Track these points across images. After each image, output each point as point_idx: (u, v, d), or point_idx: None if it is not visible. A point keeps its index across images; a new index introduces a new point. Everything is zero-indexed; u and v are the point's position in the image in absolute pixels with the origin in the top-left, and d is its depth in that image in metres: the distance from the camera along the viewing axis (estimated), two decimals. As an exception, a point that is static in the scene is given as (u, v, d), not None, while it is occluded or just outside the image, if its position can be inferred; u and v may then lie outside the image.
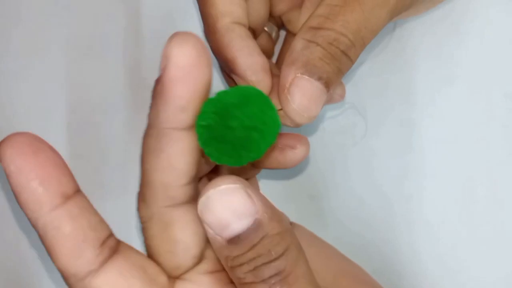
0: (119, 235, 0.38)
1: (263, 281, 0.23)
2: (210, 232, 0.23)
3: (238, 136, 0.23)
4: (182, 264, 0.25)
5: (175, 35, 0.23)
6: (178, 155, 0.24)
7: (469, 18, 0.36)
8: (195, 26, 0.38)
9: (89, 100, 0.38)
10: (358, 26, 0.26)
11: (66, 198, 0.23)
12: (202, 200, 0.23)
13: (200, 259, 0.26)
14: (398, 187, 0.37)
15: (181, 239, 0.25)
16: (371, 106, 0.37)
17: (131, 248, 0.25)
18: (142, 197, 0.26)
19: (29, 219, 0.23)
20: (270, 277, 0.23)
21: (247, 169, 0.32)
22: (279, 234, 0.23)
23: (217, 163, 0.24)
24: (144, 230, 0.26)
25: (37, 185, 0.22)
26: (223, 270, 0.26)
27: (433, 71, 0.37)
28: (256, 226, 0.23)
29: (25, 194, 0.22)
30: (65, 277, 0.24)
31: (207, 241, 0.26)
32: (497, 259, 0.36)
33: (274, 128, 0.24)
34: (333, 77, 0.26)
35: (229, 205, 0.23)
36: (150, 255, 0.26)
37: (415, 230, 0.36)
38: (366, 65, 0.37)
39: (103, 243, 0.24)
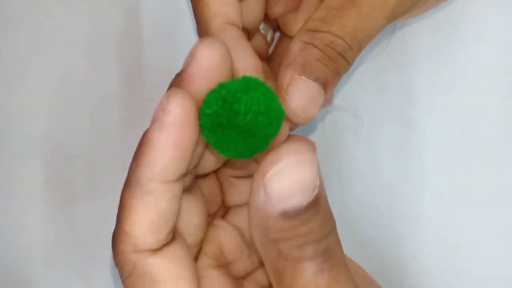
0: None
1: (312, 258, 0.22)
2: (263, 199, 0.22)
3: (244, 120, 0.23)
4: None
5: (205, 38, 0.24)
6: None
7: (469, 18, 0.36)
8: (194, 25, 0.38)
9: (89, 100, 0.38)
10: (354, 30, 0.26)
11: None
12: (276, 167, 0.22)
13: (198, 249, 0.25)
14: (398, 187, 0.37)
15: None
16: (371, 106, 0.37)
17: (184, 239, 0.25)
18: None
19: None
20: (318, 254, 0.22)
21: (253, 170, 0.30)
22: (329, 212, 0.23)
23: (223, 155, 0.23)
24: None
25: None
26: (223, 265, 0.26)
27: (433, 71, 0.37)
28: (315, 202, 0.22)
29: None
30: (122, 240, 0.23)
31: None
32: (498, 259, 0.36)
33: (280, 115, 0.23)
34: (330, 78, 0.26)
35: (300, 179, 0.22)
36: None
37: (415, 230, 0.36)
38: (366, 65, 0.37)
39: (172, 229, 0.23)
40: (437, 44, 0.37)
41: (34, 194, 0.38)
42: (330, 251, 0.23)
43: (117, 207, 0.38)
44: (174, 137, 0.22)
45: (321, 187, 0.23)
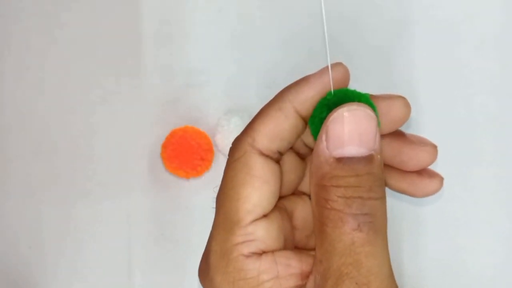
0: (119, 234, 0.38)
1: (353, 214, 0.24)
2: (324, 143, 0.25)
3: None
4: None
5: (341, 65, 0.28)
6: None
7: (470, 18, 0.36)
8: (194, 26, 0.38)
9: (89, 100, 0.38)
10: None
11: None
12: (340, 110, 0.25)
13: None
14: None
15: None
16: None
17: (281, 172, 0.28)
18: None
19: None
20: (361, 214, 0.24)
21: None
22: (381, 179, 0.25)
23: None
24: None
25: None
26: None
27: (433, 71, 0.37)
28: (368, 160, 0.24)
29: None
30: (247, 132, 0.27)
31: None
32: (498, 259, 0.36)
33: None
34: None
35: (360, 128, 0.24)
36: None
37: (414, 230, 0.36)
38: (366, 66, 0.37)
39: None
40: (437, 44, 0.37)
41: (34, 194, 0.38)
42: (373, 216, 0.24)
43: (117, 207, 0.38)
44: (324, 85, 0.27)
45: (378, 153, 0.25)
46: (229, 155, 0.27)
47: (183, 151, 0.37)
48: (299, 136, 0.28)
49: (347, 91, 0.27)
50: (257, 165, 0.26)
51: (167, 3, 0.38)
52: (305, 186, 0.30)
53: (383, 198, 0.25)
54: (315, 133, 0.27)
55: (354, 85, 0.38)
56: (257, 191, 0.26)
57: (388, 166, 0.29)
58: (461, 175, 0.36)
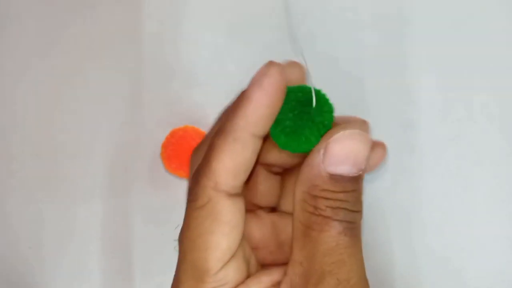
0: (119, 234, 0.38)
1: (339, 221, 0.26)
2: (319, 159, 0.26)
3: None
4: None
5: (272, 63, 0.27)
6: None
7: (470, 18, 0.36)
8: (194, 26, 0.38)
9: (89, 100, 0.38)
10: None
11: None
12: (343, 132, 0.26)
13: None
14: (398, 187, 0.37)
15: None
16: (372, 106, 0.37)
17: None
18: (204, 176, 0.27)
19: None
20: (346, 220, 0.26)
21: None
22: (362, 195, 0.27)
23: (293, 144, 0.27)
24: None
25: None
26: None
27: (433, 72, 0.37)
28: (357, 178, 0.26)
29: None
30: (207, 175, 0.26)
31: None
32: (497, 259, 0.36)
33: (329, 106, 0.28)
34: None
35: (357, 150, 0.26)
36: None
37: (414, 230, 0.36)
38: (366, 66, 0.37)
39: None
40: (437, 44, 0.37)
41: (34, 194, 0.38)
42: (355, 224, 0.26)
43: (117, 208, 0.38)
44: (270, 96, 0.26)
45: (365, 172, 0.27)
46: (189, 199, 0.27)
47: (183, 151, 0.37)
48: (257, 157, 0.27)
49: (303, 89, 0.27)
50: (224, 210, 0.26)
51: (167, 3, 0.38)
52: (256, 199, 0.30)
53: (361, 212, 0.27)
54: (284, 144, 0.27)
55: (355, 85, 0.38)
56: (226, 237, 0.26)
57: None
58: (461, 175, 0.36)
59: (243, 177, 0.27)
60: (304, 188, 0.26)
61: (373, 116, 0.37)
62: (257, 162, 0.29)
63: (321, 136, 0.27)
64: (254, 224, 0.30)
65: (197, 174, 0.27)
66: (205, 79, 0.38)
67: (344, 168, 0.26)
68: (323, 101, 0.28)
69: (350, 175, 0.26)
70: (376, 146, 0.30)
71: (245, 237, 0.29)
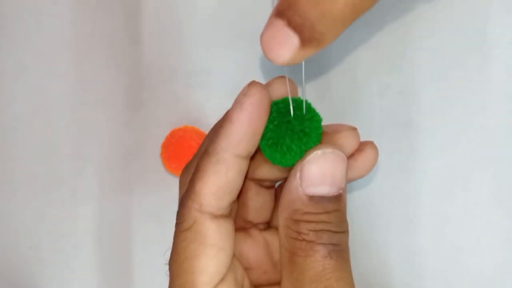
0: (119, 234, 0.38)
1: (324, 244, 0.26)
2: (297, 181, 0.26)
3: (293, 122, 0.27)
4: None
5: (253, 83, 0.27)
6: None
7: (470, 17, 0.36)
8: (194, 26, 0.38)
9: (89, 100, 0.38)
10: None
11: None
12: (317, 152, 0.26)
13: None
14: (398, 187, 0.37)
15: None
16: (372, 107, 0.37)
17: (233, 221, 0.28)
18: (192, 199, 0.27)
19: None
20: (330, 243, 0.26)
21: None
22: (345, 215, 0.27)
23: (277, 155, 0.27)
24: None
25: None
26: None
27: (433, 72, 0.37)
28: (337, 198, 0.26)
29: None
30: (192, 198, 0.26)
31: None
32: (498, 259, 0.36)
33: (318, 120, 0.28)
34: None
35: (333, 169, 0.26)
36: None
37: (413, 231, 0.36)
38: (366, 66, 0.37)
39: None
40: (437, 44, 0.37)
41: (34, 194, 0.38)
42: (340, 246, 0.26)
43: (117, 208, 0.38)
44: (250, 115, 0.26)
45: (345, 191, 0.26)
46: (176, 223, 0.27)
47: (183, 151, 0.37)
48: (244, 176, 0.27)
49: (286, 100, 0.27)
50: (209, 232, 0.26)
51: (167, 3, 0.38)
52: (246, 215, 0.30)
53: (347, 232, 0.27)
54: (270, 156, 0.27)
55: (355, 86, 0.38)
56: (213, 260, 0.26)
57: None
58: (461, 175, 0.36)
59: (228, 198, 0.27)
60: (286, 214, 0.26)
61: (373, 117, 0.37)
62: (246, 178, 0.30)
63: (305, 145, 0.27)
64: (246, 244, 0.30)
65: (183, 196, 0.27)
66: (205, 79, 0.38)
67: (323, 189, 0.26)
68: (307, 110, 0.27)
69: (330, 195, 0.26)
70: (365, 147, 0.29)
71: (237, 258, 0.29)
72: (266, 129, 0.27)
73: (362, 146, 0.29)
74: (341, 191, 0.26)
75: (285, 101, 0.28)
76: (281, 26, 0.24)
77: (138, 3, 0.38)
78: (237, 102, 0.26)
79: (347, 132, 0.28)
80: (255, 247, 0.30)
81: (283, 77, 0.28)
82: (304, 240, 0.26)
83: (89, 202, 0.38)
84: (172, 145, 0.37)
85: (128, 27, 0.38)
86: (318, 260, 0.25)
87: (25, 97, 0.39)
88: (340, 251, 0.26)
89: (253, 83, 0.26)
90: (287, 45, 0.24)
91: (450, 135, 0.36)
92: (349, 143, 0.29)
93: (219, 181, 0.26)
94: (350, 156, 0.29)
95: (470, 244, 0.36)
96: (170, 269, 0.27)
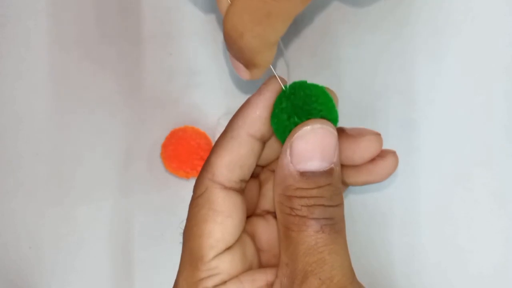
0: (119, 234, 0.38)
1: (316, 219, 0.26)
2: (288, 158, 0.27)
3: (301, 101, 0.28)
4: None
5: (273, 77, 0.29)
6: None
7: (470, 17, 0.36)
8: (194, 26, 0.38)
9: (89, 100, 0.38)
10: None
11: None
12: (304, 129, 0.27)
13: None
14: (398, 186, 0.37)
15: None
16: (372, 107, 0.37)
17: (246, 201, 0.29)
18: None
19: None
20: (323, 218, 0.26)
21: None
22: (339, 189, 0.27)
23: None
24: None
25: None
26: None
27: (433, 72, 0.37)
28: (329, 172, 0.27)
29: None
30: (206, 168, 0.29)
31: None
32: (498, 259, 0.36)
33: (330, 102, 0.29)
34: None
35: (321, 144, 0.27)
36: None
37: (414, 231, 0.36)
38: (366, 66, 0.37)
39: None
40: (437, 44, 0.37)
41: (34, 194, 0.38)
42: (334, 220, 0.26)
43: (117, 208, 0.38)
44: (267, 100, 0.29)
45: (337, 165, 0.27)
46: (193, 192, 0.29)
47: (183, 151, 0.37)
48: (258, 157, 0.29)
49: (302, 84, 0.29)
50: (219, 200, 0.28)
51: (167, 3, 0.38)
52: (264, 205, 0.32)
53: (341, 204, 0.27)
54: (278, 133, 0.28)
55: (355, 86, 0.38)
56: (220, 226, 0.28)
57: (342, 166, 0.30)
58: (461, 175, 0.36)
59: (238, 172, 0.28)
60: (279, 190, 0.27)
61: (373, 116, 0.37)
62: (267, 170, 0.32)
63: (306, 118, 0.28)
64: (260, 227, 0.31)
65: (201, 169, 0.29)
66: (204, 79, 0.38)
67: (314, 164, 0.26)
68: (313, 91, 0.28)
69: (321, 170, 0.26)
70: (387, 155, 0.30)
71: (250, 237, 0.30)
72: (275, 111, 0.29)
73: (384, 153, 0.30)
74: (332, 165, 0.27)
75: (296, 86, 0.29)
76: (234, 60, 0.29)
77: (138, 3, 0.38)
78: (258, 90, 0.29)
79: (370, 136, 0.29)
80: (268, 230, 0.31)
81: (273, 76, 0.30)
82: (297, 215, 0.26)
83: (89, 202, 0.38)
84: (172, 145, 0.37)
85: (128, 27, 0.38)
86: (311, 235, 0.26)
87: (25, 97, 0.39)
88: (333, 224, 0.26)
89: (273, 77, 0.29)
90: (242, 71, 0.30)
91: (450, 135, 0.36)
92: (372, 148, 0.29)
93: (231, 155, 0.28)
94: (371, 161, 0.30)
95: (470, 244, 0.36)
96: (183, 236, 0.29)
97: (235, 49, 0.28)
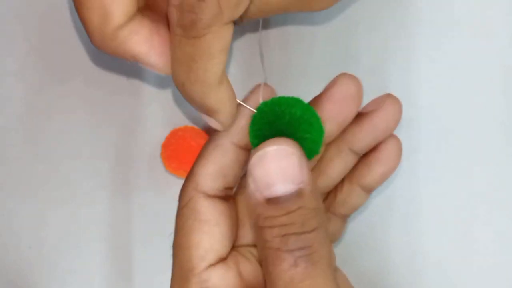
0: (119, 234, 0.38)
1: (289, 251, 0.24)
2: (252, 186, 0.25)
3: (284, 121, 0.27)
4: None
5: (258, 85, 0.29)
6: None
7: (470, 17, 0.36)
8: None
9: (89, 100, 0.38)
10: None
11: None
12: (257, 154, 0.25)
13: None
14: (398, 187, 0.37)
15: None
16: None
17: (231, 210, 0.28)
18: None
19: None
20: (297, 249, 0.24)
21: None
22: (314, 210, 0.25)
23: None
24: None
25: None
26: None
27: (433, 72, 0.37)
28: (298, 194, 0.24)
29: None
30: (189, 178, 0.28)
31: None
32: (498, 259, 0.36)
33: (316, 119, 0.27)
34: None
35: (280, 167, 0.25)
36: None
37: (414, 231, 0.36)
38: (366, 65, 0.37)
39: None
40: (437, 44, 0.37)
41: (34, 194, 0.38)
42: (310, 249, 0.24)
43: (117, 208, 0.38)
44: (250, 110, 0.28)
45: (308, 184, 0.25)
46: (178, 202, 0.28)
47: (183, 151, 0.37)
48: (244, 165, 0.28)
49: (279, 100, 0.27)
50: (203, 209, 0.27)
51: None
52: None
53: (318, 228, 0.25)
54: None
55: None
56: (207, 235, 0.26)
57: (358, 165, 0.30)
58: (461, 175, 0.36)
59: (222, 181, 0.28)
60: (252, 221, 0.26)
61: (373, 116, 0.37)
62: None
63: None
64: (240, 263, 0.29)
65: (185, 178, 0.28)
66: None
67: (278, 188, 0.24)
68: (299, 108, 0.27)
69: (288, 193, 0.24)
70: (387, 99, 0.30)
71: (249, 254, 0.28)
72: (250, 129, 0.28)
73: (376, 103, 0.30)
74: (301, 185, 0.25)
75: (270, 103, 0.28)
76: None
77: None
78: (244, 98, 0.29)
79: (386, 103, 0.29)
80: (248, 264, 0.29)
81: (259, 84, 0.29)
82: (270, 248, 0.24)
83: (89, 202, 0.38)
84: (172, 145, 0.37)
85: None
86: (286, 270, 0.24)
87: (25, 97, 0.39)
88: (309, 255, 0.24)
89: (258, 85, 0.28)
90: (208, 120, 0.28)
91: (450, 134, 0.36)
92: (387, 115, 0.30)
93: (215, 164, 0.27)
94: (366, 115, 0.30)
95: (470, 243, 0.36)
96: (173, 249, 0.28)
97: (188, 101, 0.26)
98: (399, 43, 0.37)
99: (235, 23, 0.27)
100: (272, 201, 0.24)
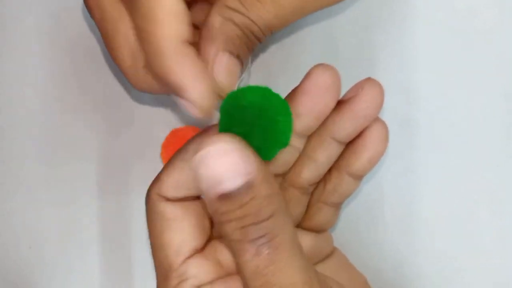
0: (119, 234, 0.38)
1: (251, 241, 0.25)
2: (203, 185, 0.25)
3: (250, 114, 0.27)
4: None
5: (320, 64, 0.29)
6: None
7: (470, 18, 0.36)
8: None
9: (89, 100, 0.38)
10: (269, 21, 0.29)
11: None
12: (200, 154, 0.25)
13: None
14: (398, 187, 0.37)
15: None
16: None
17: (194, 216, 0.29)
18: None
19: None
20: (258, 237, 0.25)
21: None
22: (268, 197, 0.25)
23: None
24: None
25: None
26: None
27: (433, 72, 0.37)
28: (248, 186, 0.25)
29: None
30: (155, 182, 0.28)
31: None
32: (498, 259, 0.36)
33: (285, 109, 0.27)
34: (245, 56, 0.29)
35: (224, 163, 0.25)
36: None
37: (414, 231, 0.36)
38: (365, 65, 0.37)
39: None
40: (437, 44, 0.37)
41: (34, 194, 0.38)
42: (270, 234, 0.25)
43: (117, 208, 0.38)
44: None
45: (258, 173, 0.25)
46: (145, 207, 0.29)
47: (183, 151, 0.37)
48: None
49: (242, 90, 0.27)
50: (167, 209, 0.28)
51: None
52: None
53: (275, 213, 0.25)
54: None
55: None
56: (177, 232, 0.27)
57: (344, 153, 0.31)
58: (461, 175, 0.36)
59: (185, 192, 0.28)
60: (214, 219, 0.26)
61: (373, 116, 0.37)
62: None
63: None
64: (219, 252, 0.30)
65: (150, 184, 0.29)
66: (205, 79, 0.38)
67: (226, 184, 0.24)
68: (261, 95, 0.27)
69: (239, 186, 0.24)
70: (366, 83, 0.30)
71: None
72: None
73: (356, 87, 0.31)
74: (249, 176, 0.25)
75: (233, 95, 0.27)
76: (237, 64, 0.29)
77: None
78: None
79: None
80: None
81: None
82: (232, 240, 0.25)
83: (89, 202, 0.38)
84: (172, 145, 0.37)
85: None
86: (250, 260, 0.25)
87: (25, 97, 0.39)
88: (270, 241, 0.25)
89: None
90: (238, 75, 0.29)
91: (450, 134, 0.36)
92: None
93: (180, 176, 0.27)
94: (346, 102, 0.30)
95: (470, 243, 0.36)
96: (151, 252, 0.28)
97: (156, 81, 0.28)
98: (399, 42, 0.37)
99: (260, 39, 0.29)
100: (224, 196, 0.25)
